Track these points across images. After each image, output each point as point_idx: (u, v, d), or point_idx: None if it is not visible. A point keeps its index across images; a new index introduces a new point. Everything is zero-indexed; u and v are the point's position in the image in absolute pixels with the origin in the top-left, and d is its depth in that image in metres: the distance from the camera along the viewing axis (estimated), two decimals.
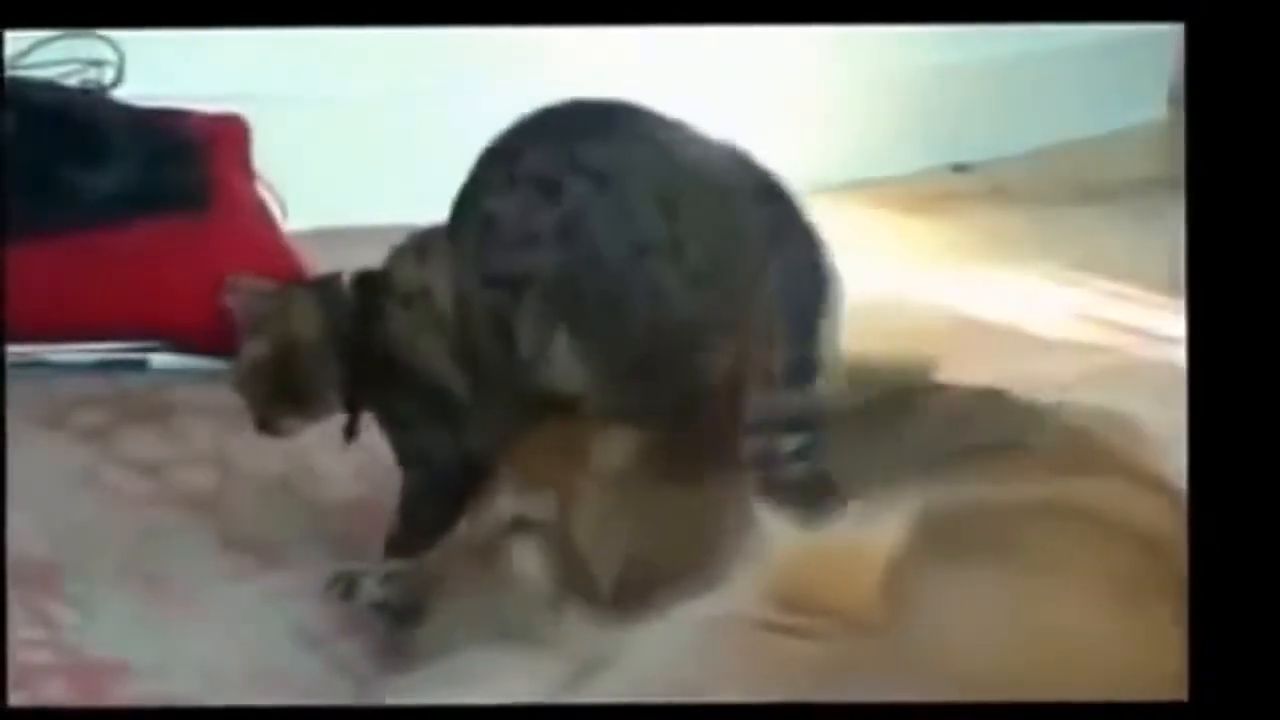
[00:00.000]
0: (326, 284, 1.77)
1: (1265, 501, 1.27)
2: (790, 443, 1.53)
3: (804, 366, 1.56)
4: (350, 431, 1.77)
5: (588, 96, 1.65)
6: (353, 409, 1.76)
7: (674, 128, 1.64)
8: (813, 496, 1.50)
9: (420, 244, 1.71)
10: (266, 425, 1.77)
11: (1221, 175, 1.33)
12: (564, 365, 1.61)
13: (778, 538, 1.41)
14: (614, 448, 1.61)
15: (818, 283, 1.59)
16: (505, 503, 1.63)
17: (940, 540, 1.39)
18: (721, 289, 1.58)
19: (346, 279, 1.75)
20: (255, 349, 1.76)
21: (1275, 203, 1.32)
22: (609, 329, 1.59)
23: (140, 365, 2.15)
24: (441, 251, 1.68)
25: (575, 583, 1.58)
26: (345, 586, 1.71)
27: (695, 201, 1.59)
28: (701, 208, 1.59)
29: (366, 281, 1.73)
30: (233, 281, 1.79)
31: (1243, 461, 1.28)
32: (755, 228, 1.59)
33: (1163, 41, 3.31)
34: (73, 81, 2.23)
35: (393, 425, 1.75)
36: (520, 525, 1.62)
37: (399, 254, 1.72)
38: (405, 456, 1.74)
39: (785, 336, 1.56)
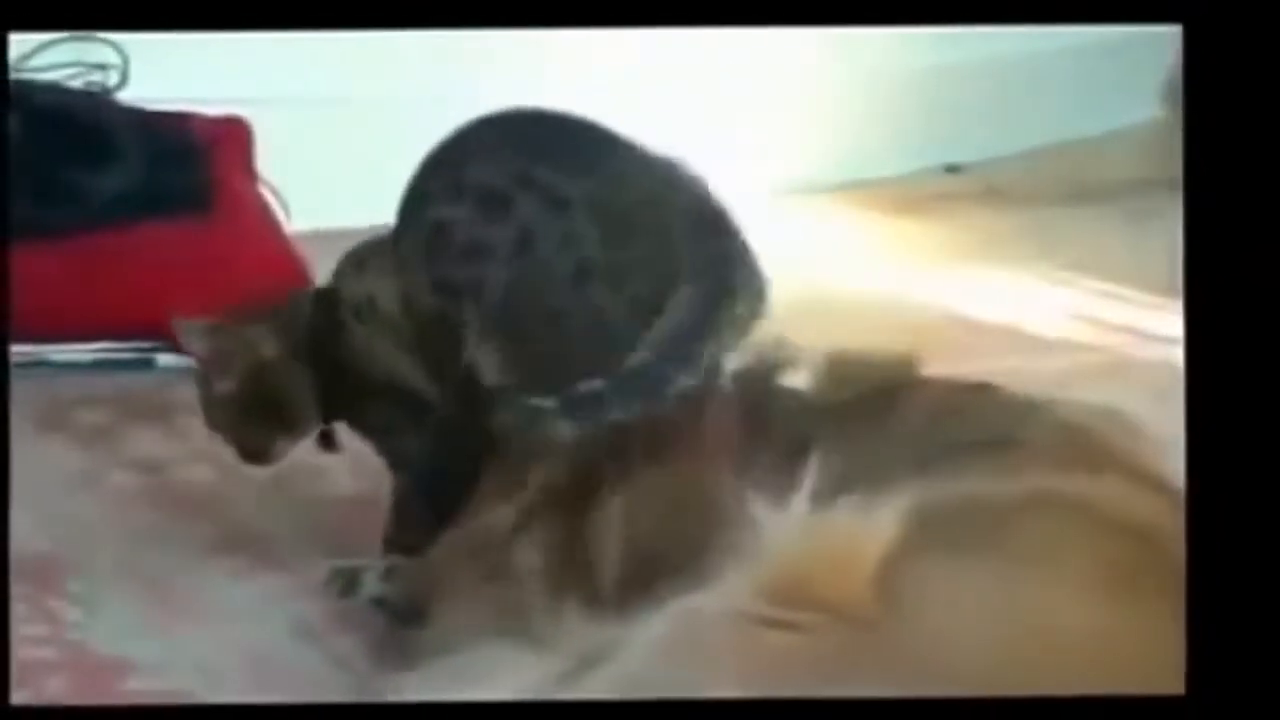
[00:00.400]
0: (278, 307, 1.78)
1: (1263, 496, 1.25)
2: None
3: (646, 373, 1.56)
4: (328, 442, 1.77)
5: (535, 106, 1.65)
6: (327, 420, 1.76)
7: (624, 147, 1.64)
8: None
9: (359, 255, 1.72)
10: (253, 454, 1.77)
11: (1220, 176, 1.32)
12: (493, 376, 1.61)
13: (771, 532, 1.40)
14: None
15: (713, 306, 1.58)
16: (499, 508, 1.63)
17: (933, 534, 1.38)
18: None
19: (304, 297, 1.76)
20: (223, 384, 1.75)
21: (1273, 203, 1.30)
22: (545, 349, 1.59)
23: (145, 364, 2.15)
24: (381, 260, 1.69)
25: (577, 577, 1.58)
26: (345, 583, 1.71)
27: (640, 228, 1.59)
28: (644, 235, 1.59)
29: (321, 299, 1.74)
30: (178, 324, 1.78)
31: (1240, 456, 1.26)
32: (693, 257, 1.59)
33: (1158, 43, 3.30)
34: (78, 84, 2.23)
35: (372, 433, 1.75)
36: (518, 527, 1.61)
37: (341, 268, 1.73)
38: (392, 460, 1.75)
39: (653, 343, 1.56)
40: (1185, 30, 1.36)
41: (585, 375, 1.56)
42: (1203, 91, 1.34)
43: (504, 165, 1.62)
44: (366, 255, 1.71)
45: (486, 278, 1.60)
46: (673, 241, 1.59)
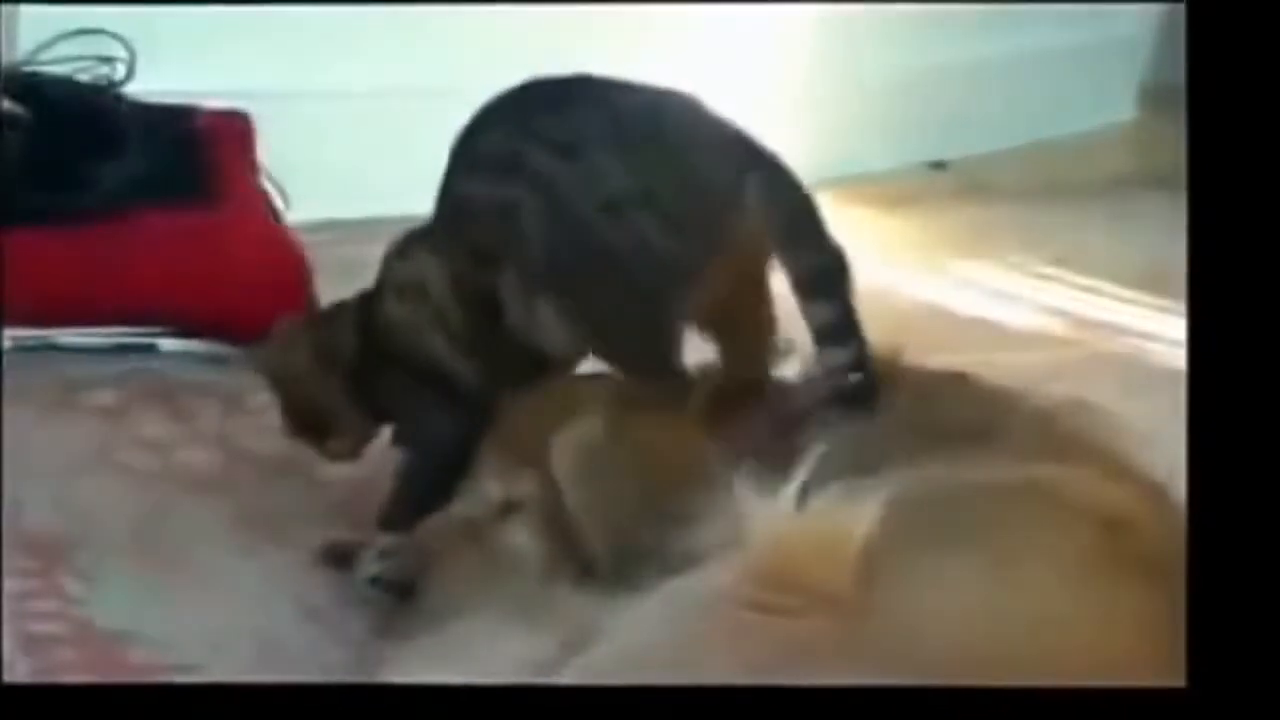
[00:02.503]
0: (329, 312, 1.81)
1: (1263, 488, 1.23)
2: (840, 356, 1.56)
3: (827, 273, 1.58)
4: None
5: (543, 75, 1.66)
6: (375, 407, 1.77)
7: (626, 87, 1.65)
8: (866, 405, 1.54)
9: (406, 239, 1.73)
10: (327, 455, 1.80)
11: (1224, 163, 1.28)
12: (551, 329, 1.62)
13: (758, 519, 1.41)
14: (591, 425, 1.62)
15: (802, 193, 1.61)
16: (492, 486, 1.64)
17: (915, 523, 1.39)
18: (699, 229, 1.59)
19: (351, 300, 1.78)
20: (275, 400, 1.79)
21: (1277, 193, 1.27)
22: (593, 287, 1.60)
23: (149, 349, 2.16)
24: (424, 243, 1.70)
25: (567, 551, 1.59)
26: (338, 559, 1.73)
27: (656, 150, 1.61)
28: (663, 155, 1.60)
29: (363, 299, 1.75)
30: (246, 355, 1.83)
31: (1242, 447, 1.24)
32: (721, 164, 1.60)
33: (1134, 46, 3.32)
34: (86, 77, 2.24)
35: (399, 416, 1.76)
36: (510, 508, 1.63)
37: (388, 255, 1.74)
38: (409, 442, 1.76)
39: (794, 244, 1.58)
40: (1189, 6, 1.32)
41: (648, 305, 1.58)
42: (1207, 71, 1.30)
43: (509, 128, 1.63)
44: (410, 242, 1.72)
45: (519, 237, 1.61)
46: (693, 153, 1.60)
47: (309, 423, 1.79)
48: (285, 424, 1.80)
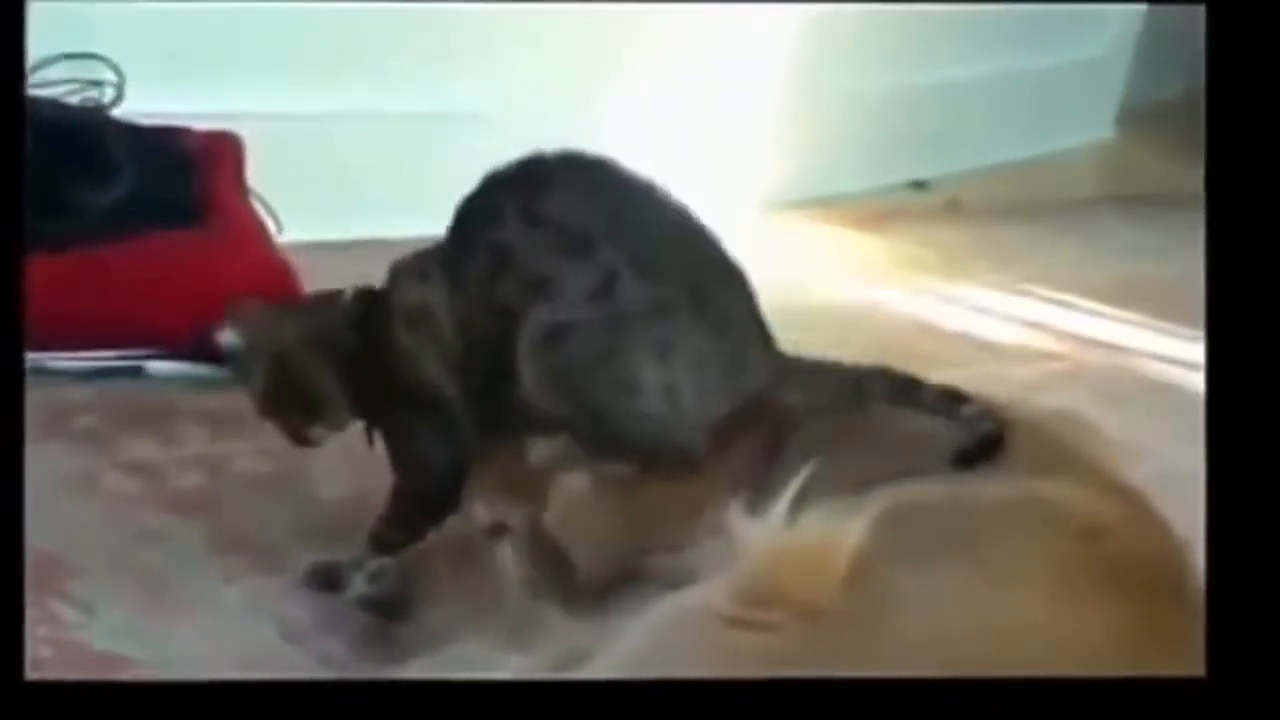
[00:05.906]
0: (318, 300, 1.77)
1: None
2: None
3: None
4: (370, 436, 1.75)
5: (613, 159, 1.64)
6: (365, 415, 1.74)
7: (706, 232, 1.63)
8: None
9: (421, 264, 1.69)
10: (296, 438, 1.75)
11: (1243, 167, 1.27)
12: (547, 400, 1.59)
13: (747, 536, 1.39)
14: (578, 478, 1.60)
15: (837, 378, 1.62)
16: (481, 510, 1.61)
17: (903, 537, 1.38)
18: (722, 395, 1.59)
19: (343, 294, 1.74)
20: (257, 372, 1.74)
21: None
22: (600, 386, 1.58)
23: (138, 372, 2.13)
24: (441, 272, 1.66)
25: (555, 579, 1.57)
26: (326, 579, 1.71)
27: (716, 314, 1.60)
28: (720, 321, 1.59)
29: (367, 298, 1.71)
30: (231, 310, 1.77)
31: (1259, 441, 1.23)
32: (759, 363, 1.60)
33: (1112, 66, 3.33)
34: (74, 100, 2.21)
35: (394, 435, 1.73)
36: (497, 531, 1.60)
37: (399, 275, 1.70)
38: (403, 464, 1.72)
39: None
40: (1208, 8, 1.32)
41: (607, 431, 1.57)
42: (1227, 73, 1.29)
43: (584, 202, 1.60)
44: (427, 266, 1.67)
45: (547, 311, 1.58)
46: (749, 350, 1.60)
47: (294, 403, 1.74)
48: (264, 401, 1.75)
